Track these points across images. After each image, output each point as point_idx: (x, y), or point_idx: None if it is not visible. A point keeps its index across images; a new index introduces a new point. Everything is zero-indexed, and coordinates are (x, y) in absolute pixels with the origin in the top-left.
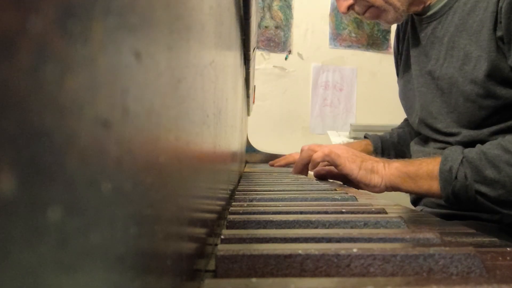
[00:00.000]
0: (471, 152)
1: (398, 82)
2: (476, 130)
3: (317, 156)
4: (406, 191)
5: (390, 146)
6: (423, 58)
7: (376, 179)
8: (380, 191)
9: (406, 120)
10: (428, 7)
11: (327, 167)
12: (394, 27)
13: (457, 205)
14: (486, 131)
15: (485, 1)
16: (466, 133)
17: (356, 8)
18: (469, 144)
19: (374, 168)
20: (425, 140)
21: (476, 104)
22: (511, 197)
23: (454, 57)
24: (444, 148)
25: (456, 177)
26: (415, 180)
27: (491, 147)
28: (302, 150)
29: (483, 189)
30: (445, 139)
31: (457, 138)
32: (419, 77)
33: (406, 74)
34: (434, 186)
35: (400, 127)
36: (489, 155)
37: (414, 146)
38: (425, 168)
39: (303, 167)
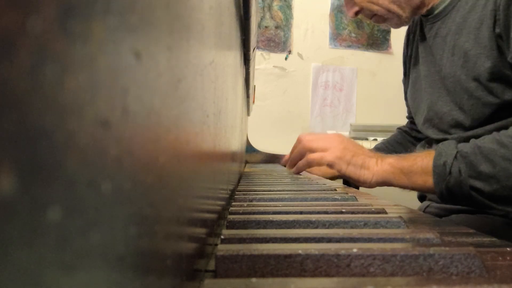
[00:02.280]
0: (466, 147)
1: (404, 83)
2: (479, 128)
3: (302, 165)
4: (400, 187)
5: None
6: (430, 58)
7: (366, 175)
8: (371, 186)
9: (400, 128)
10: (432, 8)
11: (315, 169)
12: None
13: (451, 201)
14: (489, 127)
15: None
16: (470, 132)
17: (363, 14)
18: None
19: (365, 164)
20: (429, 143)
21: (480, 101)
22: (505, 192)
23: (455, 56)
24: None
25: (450, 172)
26: (409, 176)
27: (486, 141)
28: (298, 141)
29: (478, 184)
30: (448, 138)
31: (461, 138)
32: (427, 77)
33: (414, 75)
34: (428, 181)
35: (386, 141)
36: (484, 150)
37: (419, 148)
38: (420, 163)
39: (295, 164)
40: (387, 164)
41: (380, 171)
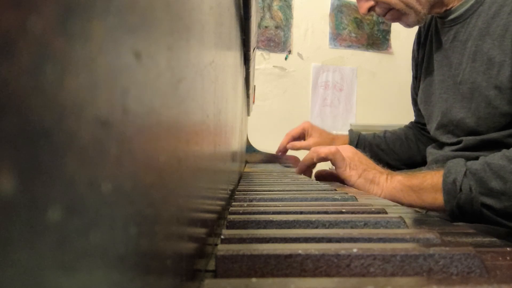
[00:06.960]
0: (475, 164)
1: (413, 87)
2: (494, 133)
3: (323, 151)
4: (409, 205)
5: (366, 145)
6: (445, 61)
7: (375, 190)
8: None
9: (408, 125)
10: (451, 10)
11: (329, 170)
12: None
13: (462, 218)
14: (504, 133)
15: (510, 5)
16: (483, 136)
17: (377, 10)
18: (482, 146)
19: (376, 179)
20: (441, 146)
21: (497, 110)
22: None
23: (477, 62)
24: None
25: (460, 190)
26: (419, 194)
27: (495, 158)
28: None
29: (489, 201)
30: (461, 140)
31: (475, 140)
32: (441, 82)
33: (426, 78)
34: (438, 199)
35: (395, 131)
36: (493, 166)
37: (429, 149)
38: (429, 181)
39: (306, 168)
40: (397, 181)
41: (389, 187)
